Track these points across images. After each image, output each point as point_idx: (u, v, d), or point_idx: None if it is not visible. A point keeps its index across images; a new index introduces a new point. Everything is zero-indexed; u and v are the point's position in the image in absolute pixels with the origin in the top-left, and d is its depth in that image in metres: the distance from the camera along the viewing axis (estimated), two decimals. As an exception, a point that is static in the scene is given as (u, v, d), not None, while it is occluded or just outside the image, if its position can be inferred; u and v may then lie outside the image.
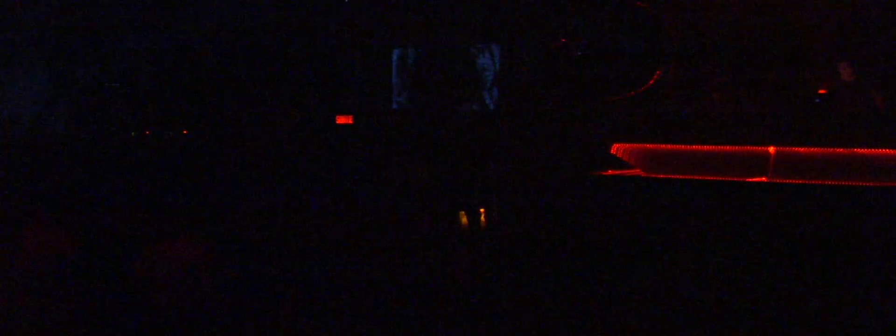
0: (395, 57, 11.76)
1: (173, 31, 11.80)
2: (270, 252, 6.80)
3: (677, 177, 6.52)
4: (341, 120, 11.19)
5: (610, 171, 6.93)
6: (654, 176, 6.69)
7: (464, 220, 8.71)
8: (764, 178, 6.18)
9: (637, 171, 6.88)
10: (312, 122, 11.29)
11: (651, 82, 8.49)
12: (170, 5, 11.84)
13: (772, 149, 6.26)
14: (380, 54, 11.77)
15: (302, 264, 6.51)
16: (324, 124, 11.21)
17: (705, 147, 6.61)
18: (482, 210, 8.79)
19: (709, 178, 6.32)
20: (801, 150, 6.12)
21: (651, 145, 6.90)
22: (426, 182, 9.28)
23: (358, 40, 11.68)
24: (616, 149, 6.93)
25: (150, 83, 12.14)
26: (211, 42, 11.66)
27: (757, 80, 8.07)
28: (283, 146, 10.71)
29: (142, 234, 6.23)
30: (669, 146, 6.77)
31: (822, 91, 7.11)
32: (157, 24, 11.83)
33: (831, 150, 5.96)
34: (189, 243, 5.17)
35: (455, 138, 10.23)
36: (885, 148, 5.70)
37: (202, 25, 11.72)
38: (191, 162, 10.11)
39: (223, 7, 11.67)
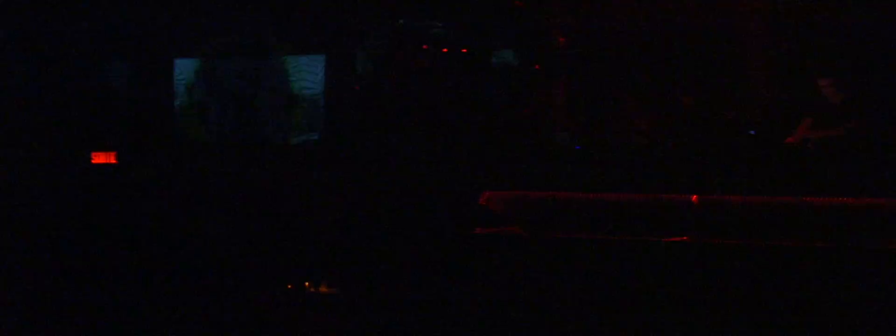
0: (177, 71, 11.61)
1: None
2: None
3: (569, 236, 6.55)
4: (99, 158, 10.79)
5: (478, 229, 6.95)
6: (537, 235, 6.73)
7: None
8: (685, 238, 6.23)
9: (515, 229, 6.91)
10: (58, 162, 10.92)
11: (531, 106, 8.54)
12: None
13: (695, 198, 6.35)
14: (156, 67, 11.59)
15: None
16: (74, 164, 10.85)
17: (607, 196, 6.68)
18: (306, 284, 8.50)
19: (612, 237, 6.39)
20: (735, 198, 6.19)
21: (534, 193, 6.95)
22: (224, 245, 9.11)
23: (125, 48, 11.29)
24: (487, 198, 6.98)
25: None
26: None
27: (676, 103, 8.19)
28: (11, 194, 10.26)
29: None
30: (559, 194, 6.84)
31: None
32: None
33: (775, 198, 6.14)
34: None
35: (264, 183, 10.01)
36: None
37: None
38: None
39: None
